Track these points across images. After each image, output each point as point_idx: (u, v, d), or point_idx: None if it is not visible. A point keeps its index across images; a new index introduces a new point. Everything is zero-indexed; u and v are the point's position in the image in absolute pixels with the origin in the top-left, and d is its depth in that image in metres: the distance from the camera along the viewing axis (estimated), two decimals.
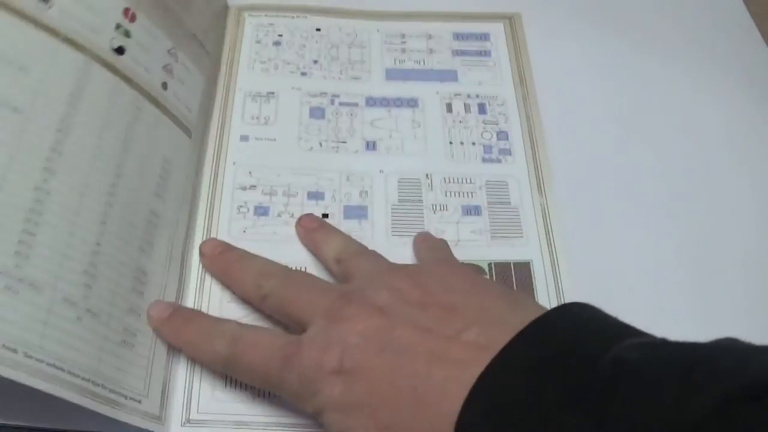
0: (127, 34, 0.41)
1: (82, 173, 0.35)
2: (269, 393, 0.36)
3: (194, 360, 0.36)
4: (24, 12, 0.37)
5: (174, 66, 0.43)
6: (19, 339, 0.31)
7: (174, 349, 0.37)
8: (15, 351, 0.30)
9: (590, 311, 0.29)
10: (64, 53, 0.38)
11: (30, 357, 0.31)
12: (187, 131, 0.42)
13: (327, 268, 0.39)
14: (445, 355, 0.29)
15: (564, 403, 0.25)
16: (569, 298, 0.40)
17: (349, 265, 0.37)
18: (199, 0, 0.47)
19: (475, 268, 0.40)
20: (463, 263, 0.40)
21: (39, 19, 0.37)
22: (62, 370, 0.32)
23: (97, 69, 0.38)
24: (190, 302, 0.39)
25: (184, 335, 0.36)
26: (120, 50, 0.40)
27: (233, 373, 0.35)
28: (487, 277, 0.40)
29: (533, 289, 0.40)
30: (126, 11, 0.41)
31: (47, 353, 0.31)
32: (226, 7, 0.51)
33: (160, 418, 0.35)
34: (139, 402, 0.34)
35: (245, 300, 0.38)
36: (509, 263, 0.41)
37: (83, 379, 0.32)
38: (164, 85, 0.42)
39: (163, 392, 0.35)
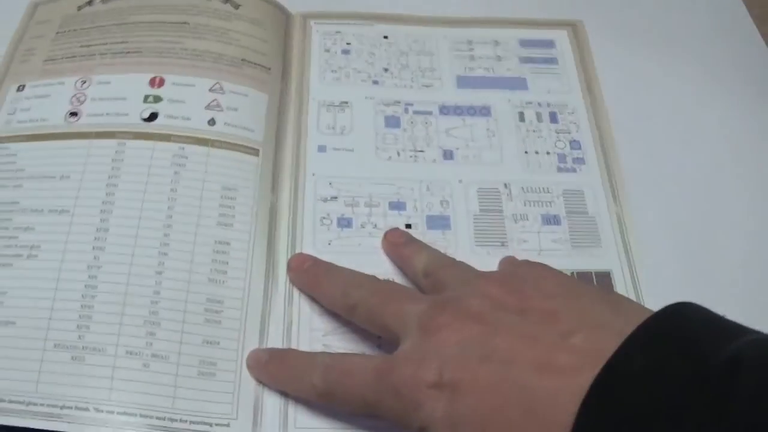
0: (157, 99, 0.44)
1: (130, 239, 0.39)
2: None
3: (296, 397, 0.36)
4: (55, 132, 0.43)
5: (220, 99, 0.44)
6: (89, 398, 0.34)
7: None
8: (86, 409, 0.34)
9: (697, 311, 0.29)
10: (96, 148, 0.42)
11: (100, 411, 0.34)
12: (252, 151, 0.43)
13: (415, 282, 0.39)
14: (553, 363, 0.28)
15: (680, 408, 0.25)
16: (649, 305, 0.40)
17: (437, 276, 0.37)
18: (243, 26, 0.48)
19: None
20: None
21: (69, 130, 0.43)
22: (134, 415, 0.34)
23: (130, 145, 0.42)
24: (278, 318, 0.38)
25: (280, 376, 0.36)
26: (152, 117, 0.43)
27: (333, 404, 0.35)
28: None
29: None
30: (153, 80, 0.44)
31: (117, 403, 0.35)
32: (286, 19, 0.50)
33: None
34: (228, 425, 0.35)
35: (334, 311, 0.38)
36: (590, 272, 0.41)
37: (158, 418, 0.34)
38: (211, 122, 0.43)
39: (255, 411, 0.36)
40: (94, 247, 0.38)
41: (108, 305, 0.37)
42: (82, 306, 0.36)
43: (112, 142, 0.42)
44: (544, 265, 0.37)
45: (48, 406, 0.34)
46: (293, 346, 0.37)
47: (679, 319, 0.28)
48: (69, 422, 0.33)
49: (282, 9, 0.50)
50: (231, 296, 0.38)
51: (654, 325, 0.28)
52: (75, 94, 0.44)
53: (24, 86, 0.45)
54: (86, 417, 0.34)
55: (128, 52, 0.45)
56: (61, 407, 0.34)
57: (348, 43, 0.49)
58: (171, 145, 0.42)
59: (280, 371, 0.36)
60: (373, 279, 0.37)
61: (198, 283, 0.38)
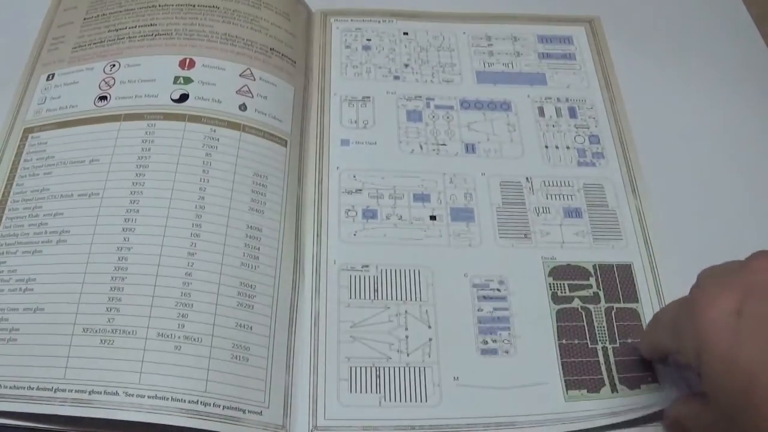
0: (187, 80, 0.43)
1: (161, 220, 0.38)
2: (396, 396, 0.36)
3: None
4: (84, 118, 0.42)
5: (251, 85, 0.44)
6: (118, 381, 0.33)
7: (294, 358, 0.37)
8: (116, 393, 0.33)
9: None
10: (125, 130, 0.41)
11: (130, 395, 0.33)
12: (281, 141, 0.43)
13: None
14: None
15: None
16: (669, 298, 0.41)
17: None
18: (271, 16, 0.48)
19: None
20: None
21: (98, 114, 0.42)
22: (164, 398, 0.33)
23: (160, 125, 0.41)
24: (306, 307, 0.39)
25: None
26: (182, 98, 0.42)
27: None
28: None
29: (636, 290, 0.41)
30: (183, 62, 0.44)
31: (147, 387, 0.33)
32: (309, 14, 0.51)
33: (284, 426, 0.35)
34: (260, 413, 0.35)
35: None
36: (612, 265, 0.41)
37: (191, 401, 0.33)
38: (242, 107, 0.43)
39: (285, 401, 0.36)
40: (124, 229, 0.37)
41: (139, 287, 0.36)
42: (111, 288, 0.36)
43: (141, 124, 0.41)
44: None
45: (76, 392, 0.33)
46: (321, 335, 0.38)
47: None
48: (98, 407, 0.33)
49: (304, 5, 0.51)
50: (263, 282, 0.38)
51: None
52: (104, 78, 0.43)
53: (53, 75, 0.45)
54: (116, 401, 0.33)
55: (157, 35, 0.45)
56: (90, 392, 0.33)
57: (368, 40, 0.50)
58: (202, 126, 0.41)
59: None
60: None
61: (230, 266, 0.38)
